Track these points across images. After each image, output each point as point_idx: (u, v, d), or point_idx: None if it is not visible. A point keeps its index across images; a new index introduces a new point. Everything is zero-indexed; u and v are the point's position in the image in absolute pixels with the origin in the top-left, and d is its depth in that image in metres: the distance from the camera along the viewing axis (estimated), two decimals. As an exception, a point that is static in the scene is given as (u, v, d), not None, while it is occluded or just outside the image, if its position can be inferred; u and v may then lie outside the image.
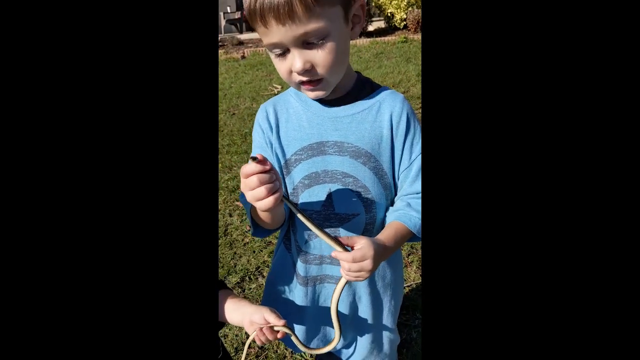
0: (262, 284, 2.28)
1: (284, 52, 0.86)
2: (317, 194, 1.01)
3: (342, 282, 0.98)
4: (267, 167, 0.79)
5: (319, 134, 1.00)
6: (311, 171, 1.01)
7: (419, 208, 0.99)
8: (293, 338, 1.05)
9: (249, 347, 1.90)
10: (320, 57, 0.85)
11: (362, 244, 0.90)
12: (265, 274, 2.35)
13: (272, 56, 0.89)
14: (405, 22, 8.92)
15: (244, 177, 0.81)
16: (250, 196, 0.82)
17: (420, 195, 1.01)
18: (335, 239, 0.92)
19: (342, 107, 1.00)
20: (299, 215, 0.92)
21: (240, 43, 10.24)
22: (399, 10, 8.87)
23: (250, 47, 9.67)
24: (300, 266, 1.12)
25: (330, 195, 1.01)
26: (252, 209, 0.97)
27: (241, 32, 12.85)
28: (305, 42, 0.84)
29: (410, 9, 8.79)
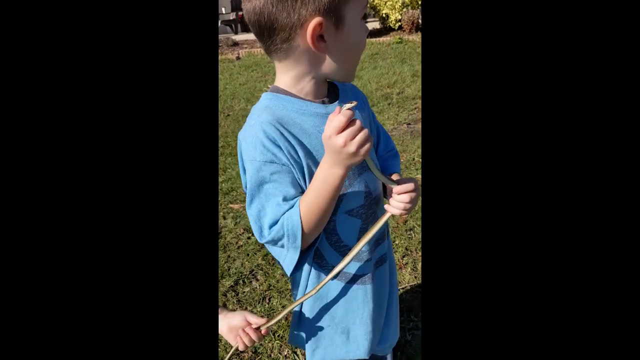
0: (256, 288, 2.26)
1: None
2: (358, 188, 1.04)
3: (386, 216, 1.02)
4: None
5: None
6: (348, 171, 0.97)
7: (397, 161, 1.21)
8: (279, 317, 1.08)
9: (239, 352, 1.89)
10: None
11: (406, 179, 0.99)
12: (259, 277, 2.33)
13: (358, 30, 0.92)
14: (400, 23, 8.92)
15: (346, 127, 0.79)
16: (356, 144, 0.80)
17: (392, 151, 1.23)
18: (391, 179, 1.01)
19: (335, 103, 1.01)
20: (368, 161, 0.92)
21: (235, 44, 10.23)
22: (393, 11, 8.87)
23: (246, 48, 9.67)
24: (354, 267, 1.10)
25: (367, 185, 1.05)
26: (308, 226, 0.92)
27: (236, 32, 12.85)
28: None
29: (405, 9, 8.79)
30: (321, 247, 1.08)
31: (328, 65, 0.92)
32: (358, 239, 1.05)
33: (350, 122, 0.79)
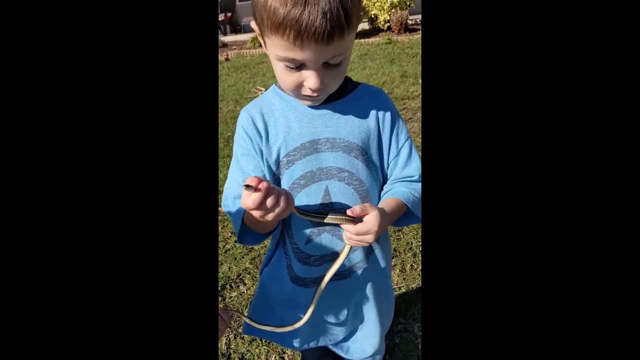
0: (244, 292, 2.24)
1: (299, 67, 0.85)
2: (315, 192, 1.03)
3: (346, 250, 1.01)
4: (266, 185, 0.77)
5: (309, 132, 1.00)
6: (306, 170, 1.01)
7: (410, 188, 1.06)
8: (243, 317, 1.16)
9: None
10: (333, 77, 0.89)
11: (370, 219, 0.92)
12: (246, 281, 2.32)
13: (281, 65, 0.86)
14: (389, 24, 8.95)
15: (252, 208, 0.78)
16: (272, 217, 0.81)
17: (410, 178, 1.08)
18: (343, 218, 0.95)
19: (329, 105, 1.01)
20: (300, 215, 0.95)
21: (224, 45, 10.19)
22: (382, 12, 8.90)
23: (235, 49, 9.63)
24: (300, 269, 1.12)
25: (327, 192, 1.03)
26: (246, 217, 0.98)
27: (225, 34, 12.80)
28: (326, 64, 0.85)
29: (393, 10, 8.82)
30: (284, 235, 1.13)
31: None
32: (306, 242, 1.08)
33: (260, 202, 0.77)
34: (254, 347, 1.89)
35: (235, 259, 2.49)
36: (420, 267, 2.28)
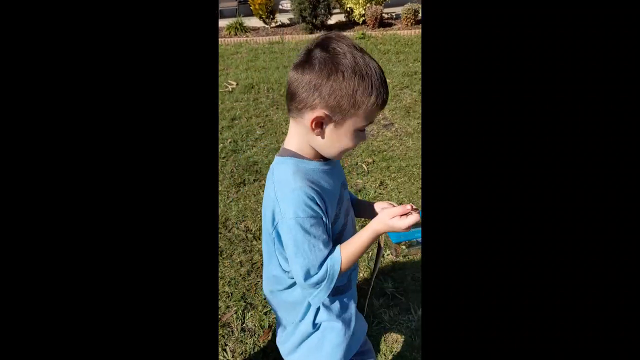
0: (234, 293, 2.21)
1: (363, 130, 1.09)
2: (349, 225, 1.27)
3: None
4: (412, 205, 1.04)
5: (336, 186, 1.20)
6: (344, 219, 1.23)
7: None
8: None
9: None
10: None
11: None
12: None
13: (354, 134, 1.07)
14: (364, 18, 8.96)
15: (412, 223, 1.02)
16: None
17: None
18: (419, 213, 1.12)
19: (328, 162, 1.20)
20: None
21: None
22: (357, 6, 8.90)
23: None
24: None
25: (353, 222, 1.30)
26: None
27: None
28: None
29: (368, 4, 8.83)
30: None
31: (319, 143, 1.11)
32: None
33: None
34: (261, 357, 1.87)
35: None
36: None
